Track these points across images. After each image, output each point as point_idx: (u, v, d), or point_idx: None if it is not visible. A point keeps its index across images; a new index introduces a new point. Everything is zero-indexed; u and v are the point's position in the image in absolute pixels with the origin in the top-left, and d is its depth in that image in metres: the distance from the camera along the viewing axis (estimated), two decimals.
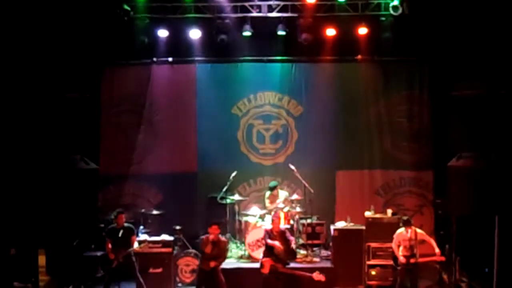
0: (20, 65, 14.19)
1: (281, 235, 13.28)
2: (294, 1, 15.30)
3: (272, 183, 15.53)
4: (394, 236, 13.27)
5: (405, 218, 13.45)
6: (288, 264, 13.16)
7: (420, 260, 13.00)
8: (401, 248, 13.15)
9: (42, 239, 14.05)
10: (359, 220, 14.68)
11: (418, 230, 13.20)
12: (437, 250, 13.05)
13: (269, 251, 13.07)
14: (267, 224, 14.11)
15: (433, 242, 13.23)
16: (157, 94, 16.45)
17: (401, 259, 13.03)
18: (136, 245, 13.36)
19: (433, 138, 16.09)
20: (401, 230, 13.23)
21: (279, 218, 13.46)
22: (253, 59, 16.35)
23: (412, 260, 12.96)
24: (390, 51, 15.83)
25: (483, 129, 14.15)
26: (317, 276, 12.72)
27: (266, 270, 12.91)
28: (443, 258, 13.21)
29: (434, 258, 13.08)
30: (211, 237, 12.88)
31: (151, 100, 16.45)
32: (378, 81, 16.31)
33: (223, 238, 13.23)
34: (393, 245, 13.29)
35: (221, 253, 13.04)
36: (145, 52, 16.09)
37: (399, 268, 13.20)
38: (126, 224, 13.41)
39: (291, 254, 13.45)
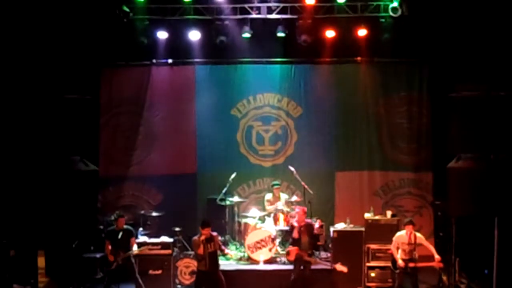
0: (19, 66, 14.19)
1: (307, 228, 13.44)
2: (294, 3, 15.31)
3: (274, 182, 15.57)
4: (394, 238, 13.25)
5: (407, 219, 13.45)
6: (312, 254, 13.39)
7: (419, 264, 12.98)
8: (400, 251, 13.11)
9: (42, 241, 14.05)
10: (359, 221, 14.69)
11: (418, 234, 13.16)
12: (436, 256, 12.95)
13: (295, 242, 13.29)
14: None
15: (432, 248, 13.17)
16: (156, 95, 16.47)
17: (400, 262, 12.99)
18: (135, 247, 13.36)
19: (432, 139, 16.08)
20: (401, 233, 13.19)
21: (303, 211, 13.64)
22: (252, 60, 16.36)
23: (411, 264, 12.93)
24: (390, 53, 15.85)
25: (483, 131, 14.11)
26: (339, 267, 13.07)
27: (292, 258, 13.29)
28: (441, 265, 13.16)
29: (433, 263, 13.02)
30: (202, 237, 12.79)
31: (150, 101, 16.46)
32: (378, 83, 16.31)
33: (213, 233, 13.07)
34: (392, 247, 13.26)
35: (216, 246, 12.97)
36: (144, 54, 16.12)
37: (397, 271, 13.15)
38: (125, 226, 13.41)
39: (315, 246, 13.70)
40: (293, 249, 13.33)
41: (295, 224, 13.46)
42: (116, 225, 13.36)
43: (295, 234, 13.37)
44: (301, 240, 13.30)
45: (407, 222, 13.21)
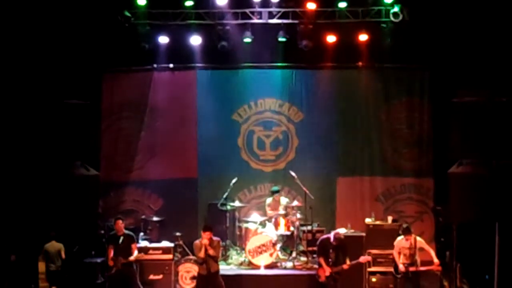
0: (21, 72, 14.22)
1: (340, 247, 13.29)
2: (295, 8, 15.33)
3: (274, 188, 15.55)
4: (395, 243, 13.24)
5: (404, 226, 13.44)
6: (339, 263, 13.24)
7: (420, 268, 12.97)
8: (401, 256, 13.10)
9: (42, 246, 14.04)
10: (360, 226, 14.72)
11: (418, 238, 13.16)
12: (436, 260, 12.97)
13: (324, 256, 13.19)
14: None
15: (432, 252, 13.17)
16: (157, 100, 16.45)
17: (401, 267, 12.99)
18: (136, 253, 13.33)
19: (433, 145, 16.05)
20: (401, 237, 13.19)
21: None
22: (253, 65, 16.35)
23: (411, 269, 12.93)
24: (391, 58, 15.84)
25: (484, 136, 14.15)
26: (363, 259, 13.26)
27: (323, 279, 13.18)
28: (440, 268, 13.18)
29: (432, 267, 13.03)
30: (204, 241, 12.69)
31: (151, 106, 16.44)
32: (379, 88, 16.28)
33: (215, 238, 13.00)
34: (394, 252, 13.25)
35: (217, 252, 12.94)
36: (145, 59, 16.11)
37: (399, 276, 13.15)
38: (126, 231, 13.39)
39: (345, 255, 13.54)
40: (321, 271, 13.19)
41: (331, 238, 13.30)
42: (116, 230, 13.34)
43: (325, 248, 13.24)
44: (329, 254, 13.19)
45: (405, 231, 13.13)
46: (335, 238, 13.22)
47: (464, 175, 13.74)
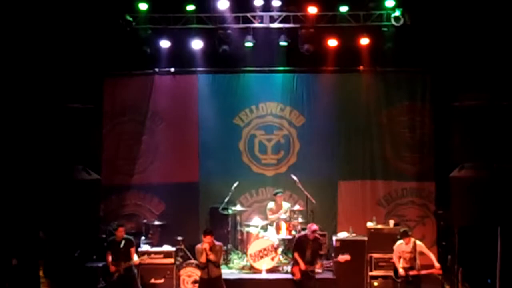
0: (22, 76, 14.21)
1: (314, 243, 13.30)
2: (296, 12, 15.34)
3: (277, 190, 15.55)
4: (394, 247, 13.22)
5: (402, 229, 13.42)
6: (315, 262, 13.24)
7: (420, 272, 12.95)
8: (401, 260, 13.09)
9: (44, 250, 14.04)
10: (361, 230, 14.70)
11: (418, 242, 13.14)
12: (436, 264, 12.96)
13: (301, 253, 13.16)
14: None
15: (432, 256, 13.16)
16: (159, 104, 16.47)
17: (401, 271, 12.97)
18: (135, 257, 13.33)
19: (435, 149, 16.04)
20: (400, 242, 13.17)
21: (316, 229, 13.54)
22: (255, 69, 16.37)
23: (411, 273, 12.91)
24: (392, 62, 15.84)
25: (485, 140, 14.15)
26: (342, 257, 13.15)
27: (298, 276, 13.14)
28: (440, 272, 13.16)
29: (432, 271, 13.02)
30: (205, 245, 12.68)
31: (153, 110, 16.47)
32: (380, 92, 16.28)
33: (217, 243, 13.02)
34: (394, 257, 13.23)
35: (218, 257, 12.94)
36: (147, 63, 16.14)
37: (399, 280, 13.13)
38: (126, 236, 13.41)
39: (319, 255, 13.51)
40: (296, 268, 13.18)
41: (308, 234, 13.32)
42: (116, 235, 13.35)
43: (302, 245, 13.25)
44: (306, 253, 13.17)
45: (403, 235, 13.13)
46: (311, 231, 13.21)
47: (466, 179, 13.72)
